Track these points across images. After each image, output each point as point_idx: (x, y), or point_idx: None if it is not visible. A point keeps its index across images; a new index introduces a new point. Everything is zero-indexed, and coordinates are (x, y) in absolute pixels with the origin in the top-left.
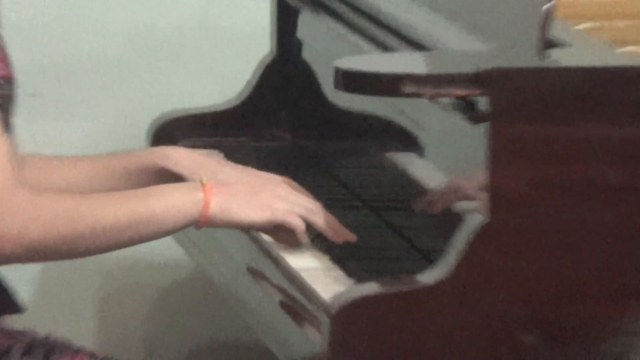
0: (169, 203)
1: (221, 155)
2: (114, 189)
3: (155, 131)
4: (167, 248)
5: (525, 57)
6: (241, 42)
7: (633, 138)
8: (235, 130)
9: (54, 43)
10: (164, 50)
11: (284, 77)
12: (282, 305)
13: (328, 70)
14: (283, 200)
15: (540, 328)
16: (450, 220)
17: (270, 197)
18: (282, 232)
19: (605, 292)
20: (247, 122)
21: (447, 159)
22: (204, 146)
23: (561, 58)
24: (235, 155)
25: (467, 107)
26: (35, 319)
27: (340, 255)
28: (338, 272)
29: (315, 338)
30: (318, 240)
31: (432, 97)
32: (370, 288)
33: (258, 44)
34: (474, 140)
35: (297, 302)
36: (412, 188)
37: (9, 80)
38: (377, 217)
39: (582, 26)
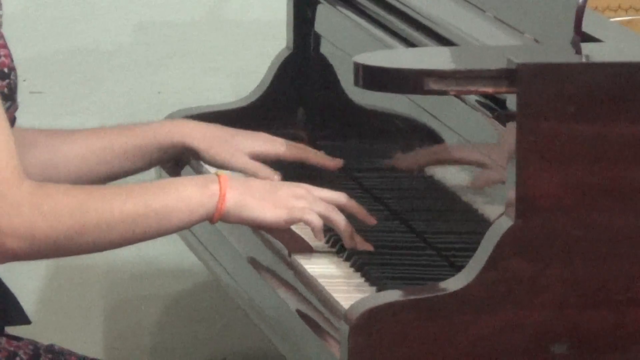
0: (183, 196)
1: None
2: (126, 164)
3: None
4: (176, 255)
5: (556, 52)
6: (256, 37)
7: None
8: (249, 129)
9: (58, 39)
10: (175, 45)
11: (300, 74)
12: (300, 313)
13: (347, 66)
14: (302, 198)
15: (570, 337)
16: (476, 224)
17: (289, 195)
18: (295, 237)
19: (639, 299)
20: (262, 120)
21: (473, 160)
22: None
23: (595, 53)
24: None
25: (494, 105)
26: (40, 328)
27: (361, 262)
28: (359, 280)
29: (334, 348)
30: (338, 246)
31: (457, 95)
32: (392, 295)
33: (274, 39)
34: (501, 140)
35: (315, 310)
36: (435, 191)
37: (11, 70)
38: (399, 221)
39: (618, 19)
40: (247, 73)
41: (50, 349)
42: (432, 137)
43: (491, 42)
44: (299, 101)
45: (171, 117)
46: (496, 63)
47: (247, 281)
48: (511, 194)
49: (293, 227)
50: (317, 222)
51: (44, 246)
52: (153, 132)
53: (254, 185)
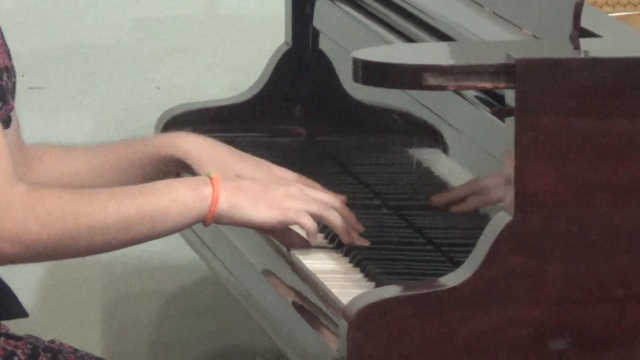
0: (175, 199)
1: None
2: (123, 179)
3: (164, 126)
4: (174, 251)
5: (555, 48)
6: (254, 32)
7: None
8: (247, 125)
9: (56, 34)
10: (173, 41)
11: (299, 69)
12: (298, 308)
13: (346, 62)
14: (296, 198)
15: (569, 333)
16: (474, 220)
17: (282, 196)
18: (291, 235)
19: (638, 295)
20: (260, 116)
21: (471, 155)
22: None
23: (594, 48)
24: (247, 152)
25: (493, 101)
26: (40, 325)
27: (360, 258)
28: (357, 275)
29: (333, 343)
30: (337, 241)
31: (456, 90)
32: (391, 291)
33: (272, 34)
34: (499, 135)
35: (314, 305)
36: (434, 186)
37: (7, 70)
38: (397, 217)
39: (616, 14)
40: (245, 68)
41: (49, 347)
42: (430, 133)
43: (489, 37)
44: (298, 97)
45: (169, 112)
46: (495, 58)
47: (245, 277)
48: (510, 189)
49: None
50: (311, 225)
51: (38, 250)
52: (152, 145)
53: (247, 186)
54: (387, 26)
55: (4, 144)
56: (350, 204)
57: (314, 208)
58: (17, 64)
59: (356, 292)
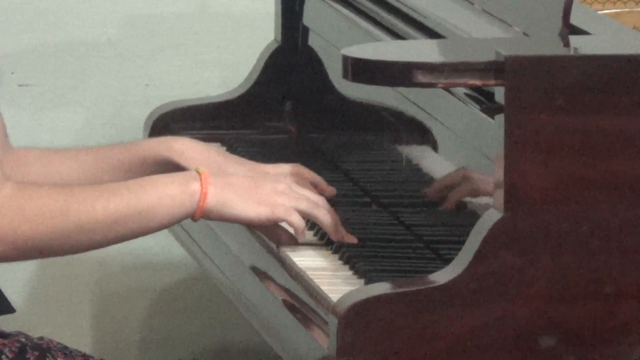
0: (163, 194)
1: (223, 148)
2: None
3: (154, 123)
4: (165, 248)
5: (545, 45)
6: (244, 29)
7: None
8: (237, 122)
9: (46, 31)
10: (163, 37)
11: (288, 66)
12: (288, 306)
13: (336, 59)
14: (284, 194)
15: (559, 330)
16: (464, 217)
17: (271, 192)
18: (279, 231)
19: (628, 292)
20: (250, 113)
21: (461, 153)
22: (205, 139)
23: (584, 45)
24: (237, 149)
25: (482, 98)
26: (29, 321)
27: (349, 255)
28: (347, 272)
29: (323, 341)
30: (326, 238)
31: (445, 87)
32: (381, 288)
33: (261, 31)
34: (489, 132)
35: (303, 303)
36: (423, 183)
37: None
38: (387, 214)
39: (606, 11)
40: (235, 66)
41: (37, 345)
42: (420, 130)
43: (479, 34)
44: (287, 94)
45: (159, 108)
46: (484, 56)
47: (235, 274)
48: (499, 186)
49: None
50: (300, 223)
51: (27, 248)
52: (146, 148)
53: (236, 182)
54: (376, 23)
55: None
56: (339, 201)
57: (303, 205)
58: (7, 61)
59: (346, 289)
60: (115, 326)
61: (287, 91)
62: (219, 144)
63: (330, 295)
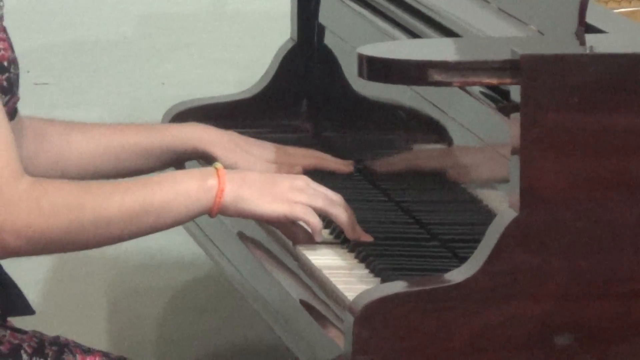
0: (180, 191)
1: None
2: (139, 163)
3: (169, 121)
4: (180, 246)
5: (560, 44)
6: (260, 28)
7: None
8: (253, 121)
9: (62, 30)
10: (178, 36)
11: (304, 65)
12: (304, 304)
13: (351, 58)
14: (301, 192)
15: (574, 329)
16: (480, 216)
17: (288, 189)
18: (296, 229)
19: None
20: (266, 112)
21: (476, 151)
22: None
23: (599, 44)
24: None
25: (498, 97)
26: (45, 321)
27: (365, 253)
28: (363, 271)
29: (339, 339)
30: (342, 237)
31: (461, 86)
32: (396, 287)
33: (277, 30)
34: (505, 131)
35: (319, 301)
36: (439, 182)
37: (11, 63)
38: (403, 212)
39: (621, 10)
40: (251, 64)
41: (55, 341)
42: (436, 129)
43: (495, 33)
44: (303, 93)
45: (175, 107)
46: (500, 54)
47: (251, 272)
48: (515, 185)
49: None
50: (317, 224)
51: (43, 243)
52: (171, 135)
53: (253, 178)
54: (392, 22)
55: (10, 137)
56: (355, 200)
57: (320, 203)
58: (23, 60)
59: (362, 287)
60: (130, 325)
61: (303, 90)
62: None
63: (346, 293)
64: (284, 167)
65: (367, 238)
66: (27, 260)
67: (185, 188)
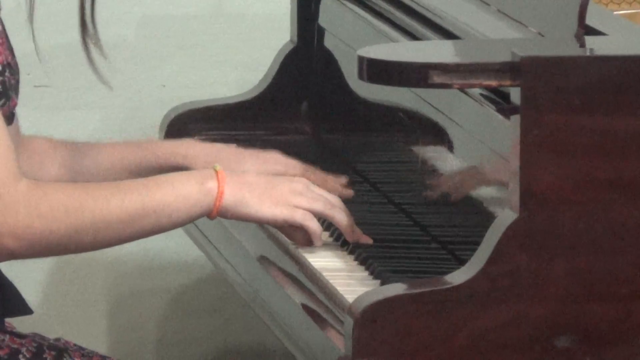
0: (179, 193)
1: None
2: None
3: (169, 124)
4: (180, 248)
5: (560, 46)
6: (260, 30)
7: None
8: (253, 123)
9: (62, 32)
10: (179, 38)
11: (304, 67)
12: (304, 306)
13: (351, 60)
14: (301, 195)
15: (575, 331)
16: (480, 218)
17: (288, 192)
18: (296, 231)
19: None
20: (266, 114)
21: (477, 153)
22: (220, 140)
23: (599, 46)
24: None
25: (498, 99)
26: (45, 323)
27: (365, 256)
28: (363, 273)
29: (339, 341)
30: (342, 239)
31: (461, 88)
32: (396, 289)
33: (277, 32)
34: (505, 133)
35: (319, 303)
36: (440, 184)
37: (10, 67)
38: (403, 214)
39: (622, 12)
40: (251, 66)
41: (54, 345)
42: (436, 130)
43: (495, 35)
44: (303, 95)
45: (175, 109)
46: (500, 56)
47: (251, 274)
48: (515, 187)
49: None
50: (317, 229)
51: (41, 245)
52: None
53: (253, 181)
54: (392, 24)
55: (8, 140)
56: (355, 202)
57: (320, 206)
58: (23, 62)
59: (361, 290)
60: (130, 327)
61: (303, 92)
62: (234, 146)
63: (346, 296)
64: None
65: (367, 240)
66: (28, 261)
67: (185, 191)
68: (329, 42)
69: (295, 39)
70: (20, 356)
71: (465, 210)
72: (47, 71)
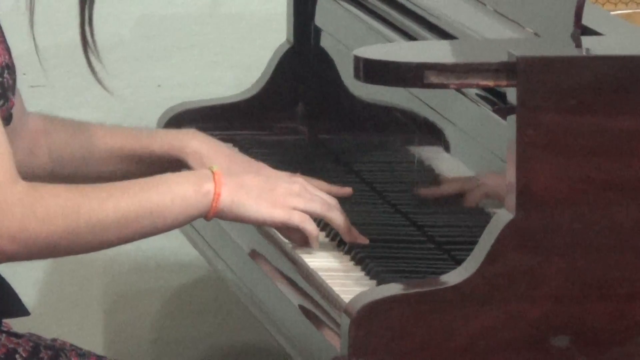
0: (176, 194)
1: (235, 149)
2: (131, 169)
3: (165, 124)
4: (177, 249)
5: (557, 46)
6: (256, 30)
7: None
8: (249, 123)
9: (58, 32)
10: (175, 38)
11: (301, 67)
12: (300, 306)
13: (347, 60)
14: (298, 196)
15: (571, 331)
16: (476, 218)
17: (285, 194)
18: (293, 232)
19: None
20: (262, 114)
21: (473, 153)
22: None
23: (596, 46)
24: (249, 150)
25: (495, 99)
26: (41, 323)
27: (362, 256)
28: (359, 273)
29: (335, 341)
30: (338, 239)
31: (458, 88)
32: (392, 289)
33: (273, 32)
34: (501, 133)
35: (315, 303)
36: (436, 184)
37: (8, 68)
38: (399, 215)
39: (618, 12)
40: (247, 66)
41: (51, 345)
42: (432, 131)
43: (491, 35)
44: (299, 95)
45: (171, 109)
46: (496, 56)
47: (247, 275)
48: (511, 187)
49: None
50: (314, 231)
51: (38, 248)
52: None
53: (250, 182)
54: (388, 24)
55: (5, 142)
56: (351, 202)
57: (316, 207)
58: (19, 62)
59: (358, 290)
60: (126, 327)
61: (299, 92)
62: (231, 145)
63: (342, 296)
64: None
65: (363, 240)
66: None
67: (182, 192)
68: (325, 42)
69: (292, 39)
70: (17, 356)
71: (462, 211)
72: (43, 71)
